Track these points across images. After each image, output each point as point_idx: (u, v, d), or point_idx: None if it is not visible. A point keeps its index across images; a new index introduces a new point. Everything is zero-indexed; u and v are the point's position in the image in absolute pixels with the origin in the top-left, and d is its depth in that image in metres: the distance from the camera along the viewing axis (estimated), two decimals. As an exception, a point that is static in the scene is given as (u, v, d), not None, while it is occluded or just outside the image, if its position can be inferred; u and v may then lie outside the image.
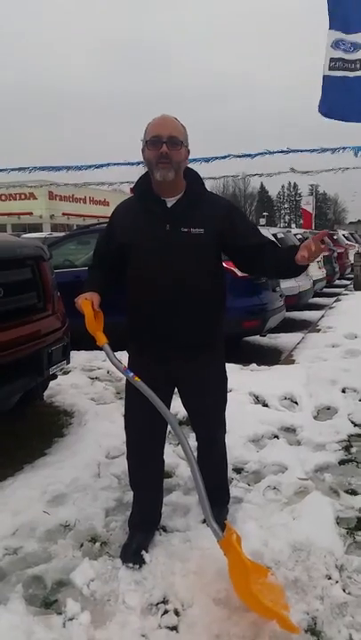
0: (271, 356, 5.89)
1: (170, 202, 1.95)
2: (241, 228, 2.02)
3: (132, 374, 1.96)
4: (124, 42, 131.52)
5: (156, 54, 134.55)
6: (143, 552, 2.05)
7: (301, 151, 7.49)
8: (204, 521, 2.24)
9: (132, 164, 8.21)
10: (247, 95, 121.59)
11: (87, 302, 1.97)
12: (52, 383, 3.65)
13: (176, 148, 1.89)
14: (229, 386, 2.27)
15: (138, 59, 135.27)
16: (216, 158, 7.91)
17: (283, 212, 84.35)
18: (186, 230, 1.91)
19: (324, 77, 5.28)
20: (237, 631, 1.68)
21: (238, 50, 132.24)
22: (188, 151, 1.98)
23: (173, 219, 1.93)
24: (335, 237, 15.37)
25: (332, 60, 5.26)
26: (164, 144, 1.87)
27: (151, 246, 1.94)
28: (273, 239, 2.11)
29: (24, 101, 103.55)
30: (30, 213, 33.95)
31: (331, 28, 5.25)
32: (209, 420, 2.20)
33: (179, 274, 1.92)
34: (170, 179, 1.89)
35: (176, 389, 2.16)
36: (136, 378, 1.95)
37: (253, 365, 4.90)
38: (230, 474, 2.77)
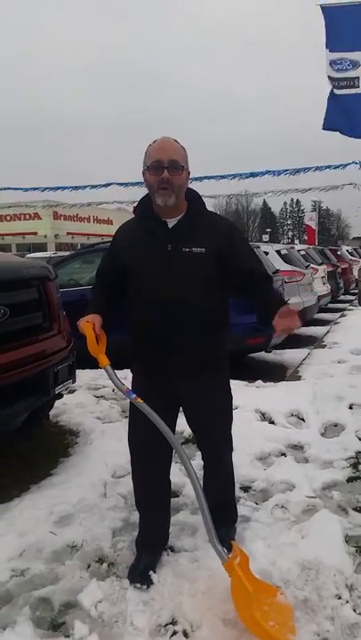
0: (277, 373, 5.88)
1: (171, 222, 1.98)
2: (240, 249, 2.04)
3: (134, 396, 1.97)
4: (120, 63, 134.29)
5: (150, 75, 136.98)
6: (151, 572, 2.04)
7: (306, 170, 7.58)
8: (212, 540, 2.23)
9: (135, 184, 8.34)
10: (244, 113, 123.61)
11: (88, 325, 2.00)
12: (57, 402, 3.66)
13: (177, 173, 1.92)
14: (235, 403, 2.28)
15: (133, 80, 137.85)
16: (223, 177, 8.01)
17: (286, 228, 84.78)
18: (187, 250, 1.94)
19: (329, 95, 5.40)
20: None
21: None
22: (189, 173, 2.02)
23: (175, 239, 1.95)
24: (339, 253, 15.42)
25: (331, 79, 5.38)
26: (165, 169, 1.89)
27: (153, 266, 1.96)
28: (269, 273, 2.12)
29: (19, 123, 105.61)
30: (35, 233, 34.32)
31: (327, 47, 5.38)
32: (214, 439, 2.19)
33: (180, 293, 1.94)
34: (171, 204, 1.93)
35: (181, 408, 2.16)
36: (139, 399, 1.95)
37: (259, 382, 4.89)
38: (238, 492, 2.75)
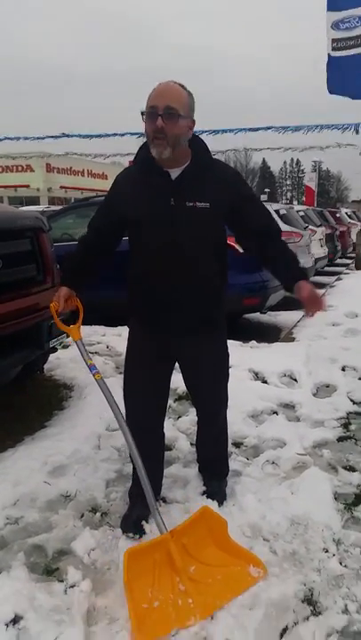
0: (271, 334, 5.89)
1: (174, 173, 1.87)
2: (250, 205, 1.97)
3: (95, 371, 2.01)
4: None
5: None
6: (143, 522, 2.07)
7: (308, 127, 7.36)
8: (204, 493, 2.28)
9: (133, 134, 8.07)
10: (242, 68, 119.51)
11: (52, 307, 2.05)
12: (51, 357, 3.65)
13: (172, 121, 1.76)
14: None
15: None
16: (225, 131, 7.76)
17: (285, 188, 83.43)
18: (191, 204, 1.85)
19: (329, 58, 5.19)
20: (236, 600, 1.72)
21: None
22: (194, 122, 1.87)
23: (178, 192, 1.85)
24: (338, 215, 15.24)
25: (333, 40, 5.16)
26: (160, 117, 1.75)
27: (154, 221, 1.88)
28: (279, 226, 2.08)
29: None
30: (27, 186, 33.49)
31: (329, 9, 5.15)
32: (211, 397, 2.20)
33: (182, 249, 1.87)
34: (165, 156, 1.80)
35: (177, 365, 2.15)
36: (97, 376, 2.00)
37: (253, 342, 4.90)
38: (230, 448, 2.78)
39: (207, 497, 2.23)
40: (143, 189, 1.90)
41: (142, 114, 1.82)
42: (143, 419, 2.12)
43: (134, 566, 1.70)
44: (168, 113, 1.76)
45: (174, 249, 1.87)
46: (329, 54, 5.14)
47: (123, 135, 8.73)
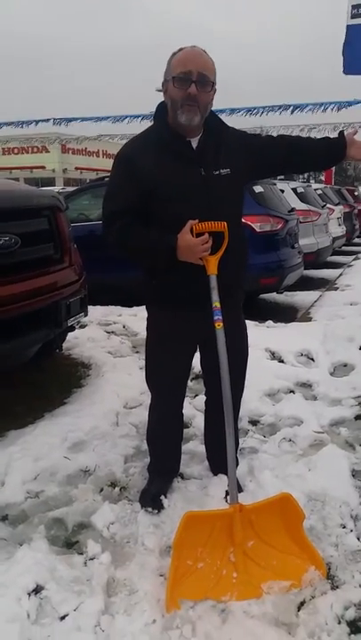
0: (288, 314, 5.84)
1: (194, 142, 1.83)
2: (262, 141, 1.98)
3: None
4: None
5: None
6: (162, 497, 2.10)
7: (333, 105, 7.19)
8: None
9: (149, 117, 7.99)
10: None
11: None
12: (69, 336, 3.68)
13: (206, 90, 1.73)
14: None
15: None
16: (240, 110, 7.65)
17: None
18: (217, 173, 1.81)
19: (348, 30, 4.95)
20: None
21: None
22: (215, 90, 1.82)
23: (205, 162, 1.80)
24: (356, 194, 14.94)
25: (354, 7, 4.93)
26: (193, 84, 1.69)
27: (189, 193, 1.78)
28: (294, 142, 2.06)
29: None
30: (43, 167, 33.41)
31: None
32: (234, 375, 2.12)
33: (219, 220, 1.77)
34: (195, 123, 1.76)
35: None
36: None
37: (270, 322, 4.87)
38: (246, 425, 2.81)
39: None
40: (168, 161, 1.78)
41: (169, 80, 1.75)
42: (174, 400, 2.12)
43: (190, 529, 1.65)
44: (202, 80, 1.72)
45: (208, 220, 1.77)
46: (348, 26, 4.92)
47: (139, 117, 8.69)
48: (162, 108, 1.85)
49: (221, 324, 1.78)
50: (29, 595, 1.62)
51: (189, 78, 1.70)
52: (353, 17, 4.91)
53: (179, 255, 1.76)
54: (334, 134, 2.03)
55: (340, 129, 7.93)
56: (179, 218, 1.75)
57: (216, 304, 1.78)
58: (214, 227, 1.77)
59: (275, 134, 2.32)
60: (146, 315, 2.11)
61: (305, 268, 6.61)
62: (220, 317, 1.79)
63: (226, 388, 1.80)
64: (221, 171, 1.82)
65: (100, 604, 1.60)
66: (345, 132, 1.98)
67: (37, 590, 1.64)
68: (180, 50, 1.77)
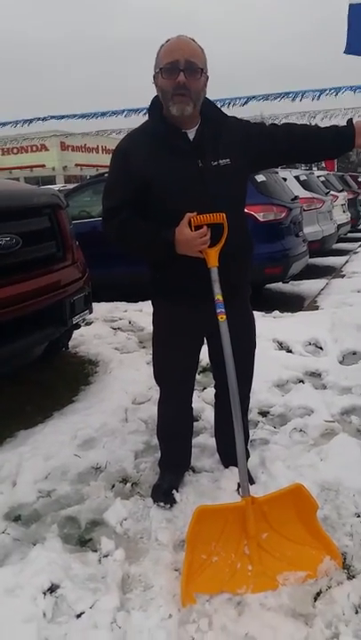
0: (294, 303, 5.81)
1: (190, 133, 1.80)
2: (267, 130, 1.92)
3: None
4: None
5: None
6: (174, 491, 2.09)
7: (333, 90, 7.10)
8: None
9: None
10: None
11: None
12: (75, 334, 3.68)
13: (195, 77, 1.70)
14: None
15: None
16: (239, 99, 7.59)
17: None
18: (216, 164, 1.77)
19: (350, 9, 4.84)
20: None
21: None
22: (207, 78, 1.79)
23: (202, 153, 1.77)
24: (360, 180, 14.81)
25: None
26: (182, 72, 1.67)
27: (186, 186, 1.76)
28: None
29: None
30: (43, 166, 33.38)
31: None
32: (242, 368, 2.11)
33: (219, 211, 1.75)
34: (188, 113, 1.73)
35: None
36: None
37: (276, 312, 4.83)
38: (256, 417, 2.79)
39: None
40: (164, 155, 1.77)
41: (157, 72, 1.74)
42: (183, 394, 2.11)
43: (203, 523, 1.64)
44: (190, 68, 1.69)
45: (208, 212, 1.75)
46: (350, 5, 4.81)
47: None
48: (156, 101, 1.83)
49: (225, 317, 1.77)
50: (45, 594, 1.62)
51: (177, 67, 1.69)
52: None
53: (177, 249, 1.75)
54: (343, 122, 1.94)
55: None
56: (177, 211, 1.73)
57: (218, 297, 1.76)
58: (212, 219, 1.74)
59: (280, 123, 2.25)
60: (151, 310, 2.09)
61: (310, 257, 6.56)
62: (223, 310, 1.77)
63: (232, 380, 1.79)
64: (220, 161, 1.78)
65: (116, 600, 1.60)
66: (353, 121, 1.89)
67: (53, 589, 1.64)
68: (167, 41, 1.75)
